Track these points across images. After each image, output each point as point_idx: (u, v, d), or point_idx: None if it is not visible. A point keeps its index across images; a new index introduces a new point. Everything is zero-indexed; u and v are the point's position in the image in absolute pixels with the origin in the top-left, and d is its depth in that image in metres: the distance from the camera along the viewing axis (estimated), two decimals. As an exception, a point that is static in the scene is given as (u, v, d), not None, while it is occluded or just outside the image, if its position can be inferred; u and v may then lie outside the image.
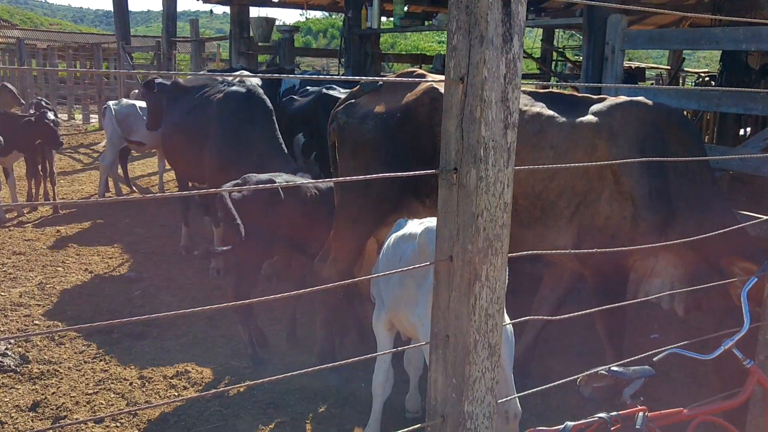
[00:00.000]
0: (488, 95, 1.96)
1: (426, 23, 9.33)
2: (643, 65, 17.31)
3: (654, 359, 2.92)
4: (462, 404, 2.11)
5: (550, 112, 4.13)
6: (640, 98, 4.18)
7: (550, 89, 4.37)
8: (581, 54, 7.07)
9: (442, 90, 4.23)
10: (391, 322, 3.68)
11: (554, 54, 13.84)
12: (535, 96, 4.30)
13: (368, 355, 2.48)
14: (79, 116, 19.05)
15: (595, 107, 4.12)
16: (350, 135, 4.38)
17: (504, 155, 2.03)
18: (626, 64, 15.01)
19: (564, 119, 4.07)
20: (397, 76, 4.53)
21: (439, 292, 2.17)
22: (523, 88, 4.42)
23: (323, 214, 4.77)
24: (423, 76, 4.49)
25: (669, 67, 15.64)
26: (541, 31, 13.72)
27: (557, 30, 14.83)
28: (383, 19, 10.81)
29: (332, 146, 4.56)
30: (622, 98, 4.19)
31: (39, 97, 9.98)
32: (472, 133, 1.98)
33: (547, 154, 4.01)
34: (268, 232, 4.65)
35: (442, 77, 4.17)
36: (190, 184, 6.86)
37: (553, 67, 13.54)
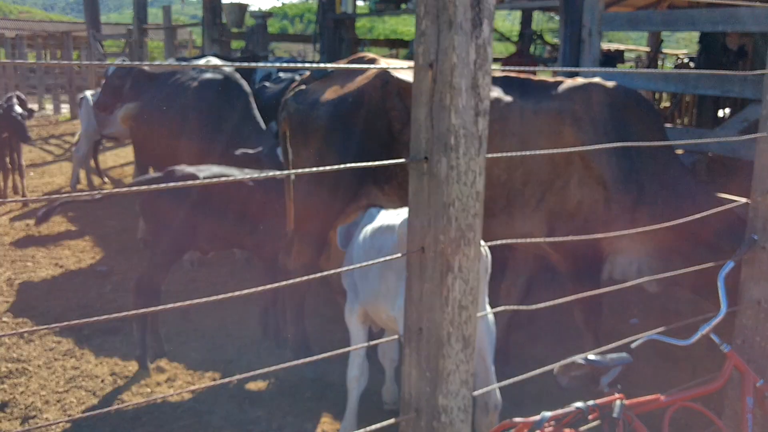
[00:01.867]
0: (458, 82, 1.89)
1: (402, 6, 9.22)
2: (622, 47, 17.32)
3: (632, 346, 2.89)
4: (436, 398, 2.06)
5: (509, 98, 4.06)
6: (597, 80, 4.16)
7: (505, 73, 4.31)
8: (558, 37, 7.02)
9: (394, 74, 4.19)
10: (365, 315, 3.61)
11: (534, 37, 13.79)
12: (494, 81, 4.23)
13: (343, 350, 2.42)
14: (49, 106, 18.70)
15: (553, 92, 4.06)
16: (301, 122, 4.29)
17: (475, 143, 1.97)
18: (605, 46, 15.02)
19: (524, 105, 4.00)
20: (348, 62, 4.44)
21: (411, 284, 2.11)
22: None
23: (263, 206, 4.59)
24: (374, 60, 4.41)
25: (648, 49, 15.66)
26: (519, 13, 13.66)
27: (536, 12, 14.76)
28: (359, 3, 10.68)
29: (283, 136, 4.45)
30: (580, 80, 4.16)
31: (16, 92, 9.74)
32: (442, 121, 1.92)
33: (510, 141, 3.96)
34: (182, 226, 4.41)
35: (395, 62, 3.96)
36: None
37: (531, 50, 13.48)
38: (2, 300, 5.54)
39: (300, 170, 2.05)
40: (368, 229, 3.57)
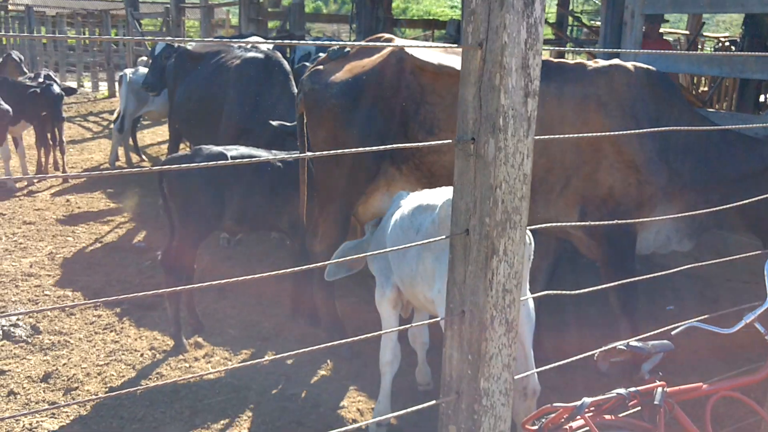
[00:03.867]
0: (508, 62, 1.86)
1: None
2: (661, 30, 16.94)
3: (672, 333, 2.85)
4: (478, 381, 2.05)
5: None
6: (617, 61, 4.11)
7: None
8: (598, 19, 6.89)
9: (409, 51, 4.15)
10: (397, 299, 3.59)
11: (570, 19, 13.56)
12: None
13: (376, 333, 2.42)
14: (88, 84, 18.94)
15: (575, 75, 4.00)
16: (316, 102, 4.28)
17: (524, 125, 1.94)
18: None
19: (546, 90, 3.92)
20: (365, 42, 4.43)
21: (454, 267, 2.09)
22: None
23: (292, 187, 4.56)
24: (391, 40, 4.37)
25: (688, 32, 15.30)
26: (556, -5, 13.43)
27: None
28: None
29: (300, 117, 4.44)
30: (601, 63, 4.11)
31: (47, 70, 9.89)
32: (491, 102, 1.89)
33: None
34: (209, 206, 4.44)
35: (410, 42, 3.83)
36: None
37: (568, 33, 13.27)
38: (44, 273, 5.65)
39: (339, 151, 2.04)
40: (405, 209, 3.51)
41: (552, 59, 4.26)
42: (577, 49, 4.04)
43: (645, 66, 4.13)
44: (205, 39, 10.03)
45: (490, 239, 1.98)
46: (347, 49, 4.44)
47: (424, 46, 4.37)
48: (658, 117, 3.98)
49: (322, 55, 6.86)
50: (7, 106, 7.63)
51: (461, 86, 1.99)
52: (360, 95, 4.16)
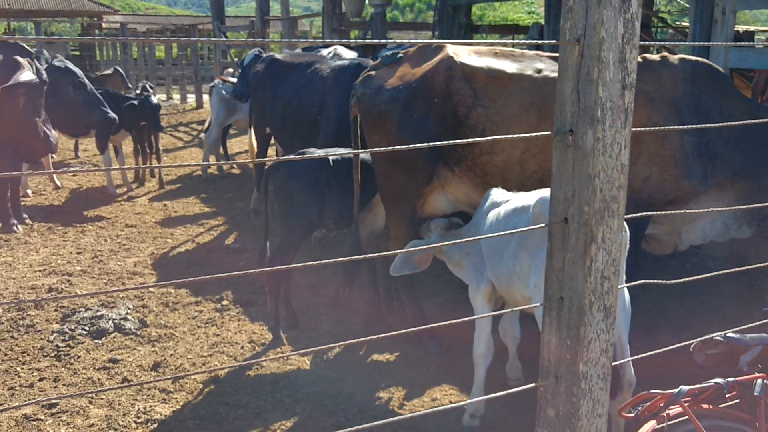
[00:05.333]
0: (606, 56, 1.94)
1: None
2: (752, 29, 16.38)
3: (770, 330, 2.84)
4: (576, 365, 2.12)
5: None
6: (665, 54, 4.11)
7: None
8: (683, 19, 6.78)
9: (458, 59, 4.24)
10: (491, 294, 3.71)
11: (654, 20, 13.29)
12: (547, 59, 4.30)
13: (469, 318, 2.52)
14: (176, 96, 19.79)
15: None
16: (368, 107, 4.43)
17: (621, 116, 2.01)
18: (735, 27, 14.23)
19: None
20: (416, 49, 4.53)
21: (553, 255, 2.18)
22: (546, 54, 4.38)
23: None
24: (443, 46, 4.46)
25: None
26: (639, -5, 13.18)
27: (656, -6, 14.22)
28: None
29: (354, 119, 4.59)
30: (647, 56, 4.12)
31: (145, 82, 10.47)
32: (589, 95, 1.98)
33: None
34: (313, 206, 4.64)
35: (464, 46, 3.94)
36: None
37: (654, 34, 13.01)
38: (148, 272, 6.01)
39: (389, 148, 2.15)
40: (501, 211, 3.60)
41: None
42: (668, 42, 4.05)
43: (693, 58, 4.17)
44: (308, 40, 10.35)
45: (589, 227, 2.05)
46: (399, 54, 4.58)
47: (473, 44, 4.48)
48: (707, 109, 4.03)
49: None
50: (114, 115, 8.14)
51: (559, 80, 2.08)
52: (411, 101, 4.29)
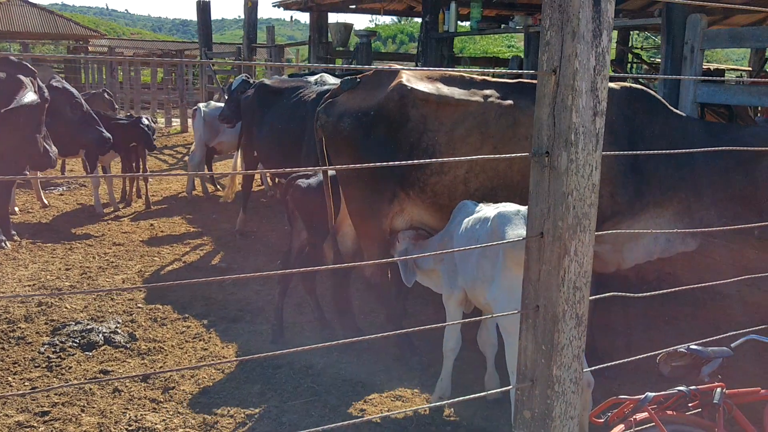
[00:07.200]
0: (579, 85, 2.16)
1: (502, 26, 9.48)
2: (722, 66, 16.94)
3: (732, 345, 3.05)
4: (551, 369, 2.31)
5: (523, 104, 4.37)
6: (609, 83, 4.38)
7: (520, 79, 4.63)
8: (658, 55, 7.11)
9: (410, 86, 4.49)
10: (463, 299, 4.06)
11: (629, 56, 13.75)
12: (506, 88, 4.52)
13: (474, 318, 2.70)
14: (161, 120, 19.94)
15: None
16: (332, 133, 4.68)
17: (593, 140, 2.23)
18: (705, 65, 14.74)
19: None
20: (372, 74, 4.78)
21: (530, 266, 2.37)
22: (494, 79, 4.63)
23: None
24: (397, 71, 4.68)
25: (750, 68, 15.27)
26: (616, 33, 13.66)
27: (632, 32, 14.71)
28: (460, 23, 11.00)
29: (320, 141, 4.83)
30: None
31: (103, 89, 10.53)
32: (564, 120, 2.19)
33: (523, 144, 4.21)
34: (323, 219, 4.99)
35: (416, 69, 4.25)
36: (277, 180, 7.24)
37: (628, 70, 13.45)
38: (136, 289, 6.12)
39: (354, 166, 2.35)
40: (468, 222, 3.95)
41: None
42: (638, 76, 4.29)
43: (630, 85, 4.47)
44: (298, 64, 10.56)
45: (563, 241, 2.25)
46: (358, 79, 4.82)
47: (426, 70, 4.75)
48: (640, 131, 4.28)
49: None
50: (108, 135, 8.30)
51: (537, 107, 2.29)
52: (370, 127, 4.53)
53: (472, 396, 2.41)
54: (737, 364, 3.40)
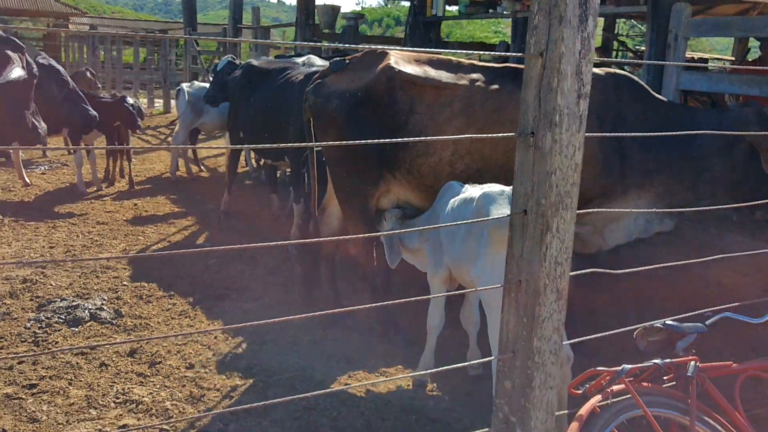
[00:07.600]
0: (564, 68, 2.24)
1: (490, 11, 9.52)
2: (706, 56, 17.11)
3: (706, 323, 3.16)
4: (531, 340, 2.40)
5: (508, 88, 4.44)
6: (595, 69, 4.47)
7: (507, 64, 4.70)
8: (643, 43, 7.21)
9: (398, 68, 4.56)
10: (448, 278, 4.16)
11: (615, 43, 13.85)
12: (493, 73, 4.58)
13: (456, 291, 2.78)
14: (144, 101, 19.78)
15: None
16: (320, 114, 4.73)
17: (576, 121, 2.31)
18: (689, 54, 14.89)
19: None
20: (362, 56, 4.84)
21: (513, 242, 2.46)
22: (481, 64, 4.70)
23: None
24: (386, 54, 4.73)
25: (733, 58, 15.45)
26: (602, 20, 13.74)
27: (618, 20, 14.82)
28: (448, 7, 11.03)
29: (308, 122, 4.89)
30: None
31: (86, 68, 10.48)
32: (549, 102, 2.27)
33: (508, 129, 4.29)
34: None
35: (404, 50, 4.29)
36: (262, 162, 7.27)
37: (613, 57, 13.57)
38: (121, 267, 6.15)
39: (342, 143, 2.42)
40: (455, 202, 4.05)
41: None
42: (626, 61, 4.38)
43: (614, 71, 4.55)
44: (285, 42, 10.55)
45: (545, 218, 2.34)
46: (347, 60, 4.87)
47: (415, 52, 4.82)
48: (624, 115, 4.38)
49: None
50: (95, 113, 8.27)
51: (523, 89, 2.37)
52: (358, 109, 4.58)
53: (454, 366, 2.50)
54: (711, 340, 3.52)
